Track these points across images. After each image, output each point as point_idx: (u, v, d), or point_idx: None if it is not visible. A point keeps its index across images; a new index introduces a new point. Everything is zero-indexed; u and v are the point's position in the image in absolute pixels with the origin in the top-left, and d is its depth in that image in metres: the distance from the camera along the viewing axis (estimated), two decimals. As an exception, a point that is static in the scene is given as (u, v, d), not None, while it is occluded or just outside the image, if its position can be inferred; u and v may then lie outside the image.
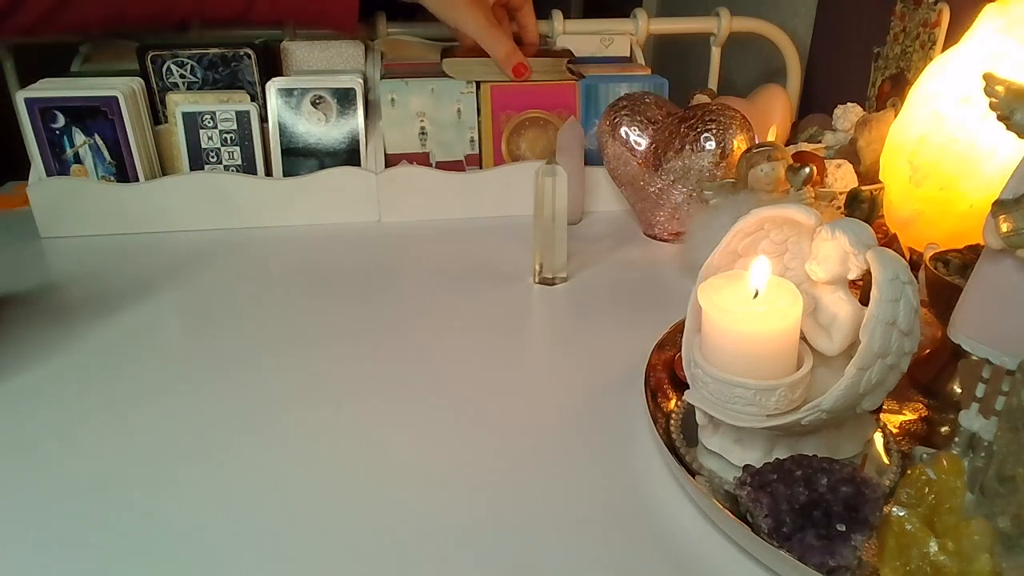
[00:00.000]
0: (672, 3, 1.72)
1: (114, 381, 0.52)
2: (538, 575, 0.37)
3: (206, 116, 0.77)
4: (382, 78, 0.81)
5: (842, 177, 0.70)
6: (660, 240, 0.77)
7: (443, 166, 0.83)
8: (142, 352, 0.56)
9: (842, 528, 0.35)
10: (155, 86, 0.79)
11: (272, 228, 0.79)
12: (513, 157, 0.84)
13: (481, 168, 0.83)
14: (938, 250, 0.52)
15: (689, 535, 0.39)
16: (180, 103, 0.77)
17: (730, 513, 0.38)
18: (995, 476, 0.36)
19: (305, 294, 0.65)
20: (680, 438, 0.45)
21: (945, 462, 0.35)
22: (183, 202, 0.77)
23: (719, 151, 0.69)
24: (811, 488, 0.36)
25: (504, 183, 0.82)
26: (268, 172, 0.80)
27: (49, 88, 0.75)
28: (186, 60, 0.78)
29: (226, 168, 0.79)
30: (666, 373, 0.51)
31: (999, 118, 0.39)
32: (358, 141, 0.80)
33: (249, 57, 0.79)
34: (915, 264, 0.52)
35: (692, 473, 0.42)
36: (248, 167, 0.79)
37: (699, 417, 0.43)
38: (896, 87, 0.81)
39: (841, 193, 0.68)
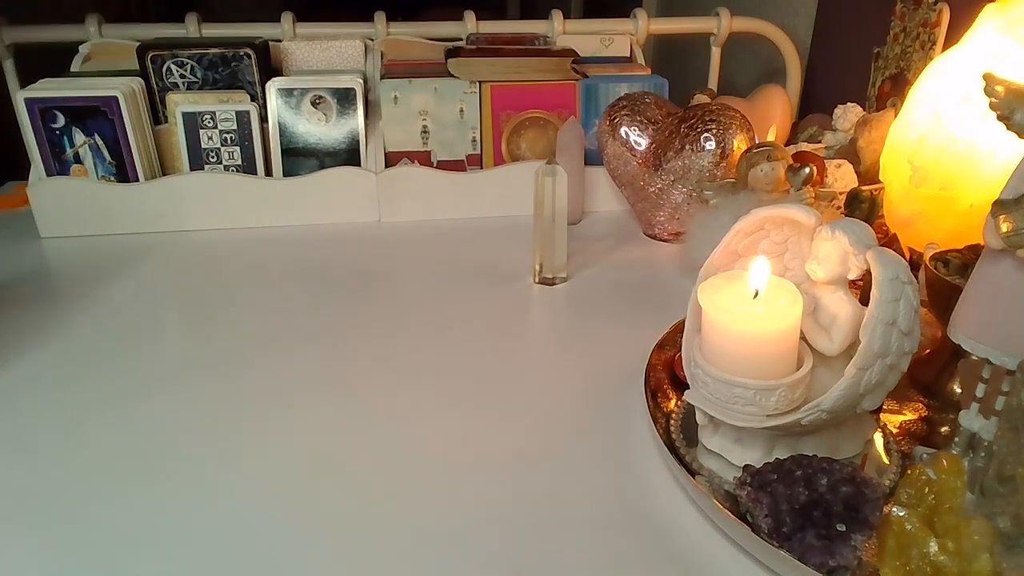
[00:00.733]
0: (672, 3, 1.72)
1: (113, 380, 0.52)
2: (538, 575, 0.37)
3: (206, 116, 0.77)
4: (383, 77, 0.81)
5: (842, 177, 0.70)
6: (660, 240, 0.77)
7: (444, 165, 0.83)
8: (142, 351, 0.56)
9: (842, 528, 0.35)
10: (155, 86, 0.79)
11: (272, 228, 0.79)
12: (513, 157, 0.84)
13: (482, 168, 0.83)
14: (938, 250, 0.52)
15: (689, 535, 0.39)
16: (180, 103, 0.77)
17: (730, 513, 0.38)
18: (995, 476, 0.36)
19: (304, 294, 0.65)
20: (680, 438, 0.45)
21: (945, 462, 0.35)
22: (183, 202, 0.77)
23: (719, 151, 0.69)
24: (811, 488, 0.36)
25: (504, 183, 0.82)
26: (268, 172, 0.80)
27: (49, 88, 0.75)
28: (186, 60, 0.78)
29: (226, 168, 0.79)
30: (666, 373, 0.51)
31: (999, 118, 0.39)
32: (358, 141, 0.80)
33: (249, 57, 0.79)
34: (915, 264, 0.52)
35: (692, 473, 0.42)
36: (248, 167, 0.79)
37: (699, 417, 0.43)
38: (896, 87, 0.81)
39: (841, 193, 0.68)
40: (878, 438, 0.45)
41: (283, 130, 0.79)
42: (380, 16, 0.93)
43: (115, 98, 0.74)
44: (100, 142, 0.75)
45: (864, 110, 0.80)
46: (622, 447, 0.46)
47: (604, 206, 0.84)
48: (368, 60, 0.89)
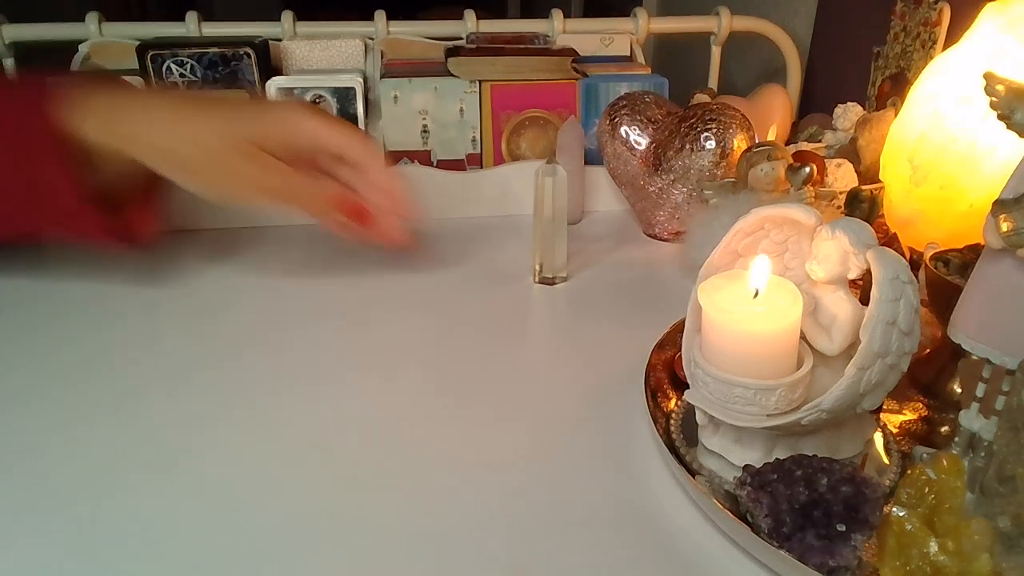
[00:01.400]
0: (672, 2, 1.72)
1: (113, 380, 0.52)
2: (537, 575, 0.37)
3: (206, 115, 0.77)
4: (383, 76, 0.81)
5: (842, 177, 0.70)
6: (660, 240, 0.77)
7: (444, 165, 0.83)
8: (141, 351, 0.56)
9: (842, 528, 0.35)
10: (155, 85, 0.79)
11: (272, 228, 0.79)
12: (513, 157, 0.84)
13: (482, 167, 0.83)
14: (938, 249, 0.52)
15: (689, 535, 0.39)
16: (180, 102, 0.77)
17: (730, 513, 0.38)
18: (995, 476, 0.36)
19: (303, 294, 0.65)
20: (680, 438, 0.45)
21: (945, 462, 0.35)
22: (182, 202, 0.77)
23: (719, 150, 0.69)
24: (811, 488, 0.36)
25: (504, 183, 0.81)
26: (268, 171, 0.80)
27: (49, 87, 0.74)
28: (186, 59, 0.78)
29: (226, 167, 0.79)
30: (666, 373, 0.51)
31: (999, 117, 0.39)
32: (358, 140, 0.80)
33: (249, 56, 0.79)
34: (915, 264, 0.52)
35: (692, 473, 0.42)
36: (248, 166, 0.79)
37: (699, 417, 0.43)
38: (896, 86, 0.81)
39: (841, 193, 0.68)
40: (878, 438, 0.45)
41: (283, 129, 0.79)
42: (380, 15, 0.93)
43: (115, 97, 0.74)
44: (100, 141, 0.75)
45: (864, 109, 0.80)
46: (622, 447, 0.46)
47: (604, 206, 0.84)
48: (368, 59, 0.89)
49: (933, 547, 0.34)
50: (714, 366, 0.41)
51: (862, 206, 0.64)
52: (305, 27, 0.93)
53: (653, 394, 0.48)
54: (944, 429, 0.47)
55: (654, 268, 0.71)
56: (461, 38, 0.93)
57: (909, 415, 0.48)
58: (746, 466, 0.39)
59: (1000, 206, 0.38)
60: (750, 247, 0.44)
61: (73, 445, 0.46)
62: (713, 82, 1.04)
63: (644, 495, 0.42)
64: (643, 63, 0.93)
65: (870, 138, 0.72)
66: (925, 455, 0.43)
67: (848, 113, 0.79)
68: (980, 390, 0.41)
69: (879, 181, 0.64)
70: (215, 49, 0.79)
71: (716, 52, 1.03)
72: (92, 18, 0.89)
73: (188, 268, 0.69)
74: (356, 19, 0.94)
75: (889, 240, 0.62)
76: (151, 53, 0.78)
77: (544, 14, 0.96)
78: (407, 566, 0.38)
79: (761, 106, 0.90)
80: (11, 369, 0.53)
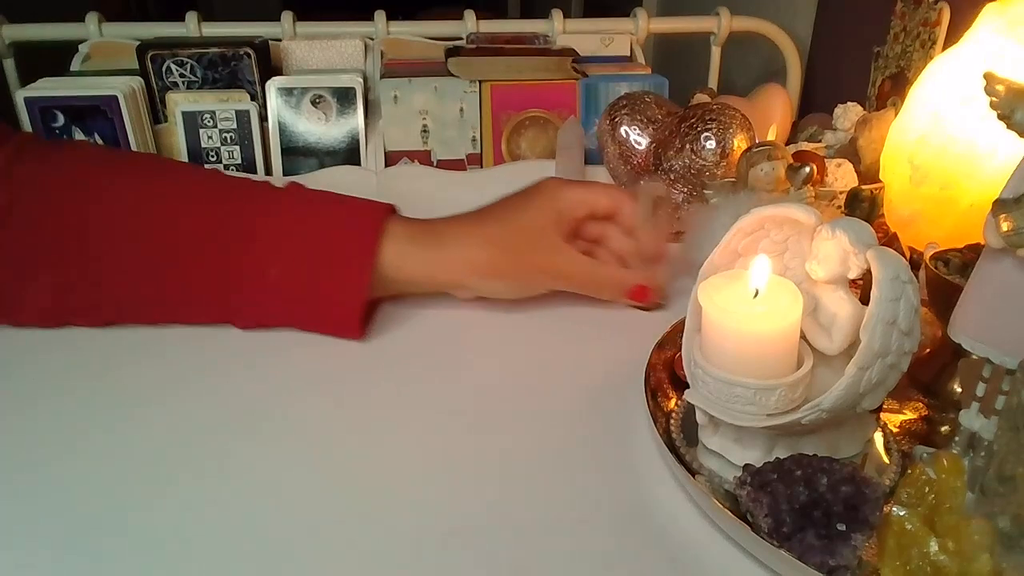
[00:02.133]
0: (672, 2, 1.72)
1: (113, 382, 0.52)
2: (537, 574, 0.37)
3: (206, 115, 0.77)
4: (383, 76, 0.81)
5: (842, 176, 0.70)
6: (660, 239, 0.77)
7: (444, 164, 0.83)
8: (140, 351, 0.56)
9: (842, 528, 0.35)
10: (155, 85, 0.79)
11: (272, 227, 0.78)
12: (513, 156, 0.84)
13: (482, 167, 0.83)
14: (938, 249, 0.52)
15: (689, 535, 0.39)
16: (180, 102, 0.77)
17: (730, 513, 0.38)
18: (995, 476, 0.36)
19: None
20: (680, 438, 0.45)
21: (945, 461, 0.35)
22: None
23: (719, 150, 0.69)
24: (811, 488, 0.36)
25: (504, 182, 0.81)
26: (268, 171, 0.80)
27: (49, 88, 0.75)
28: (186, 59, 0.78)
29: (226, 167, 0.79)
30: (666, 373, 0.51)
31: (999, 117, 0.39)
32: (358, 140, 0.80)
33: (249, 56, 0.79)
34: (915, 263, 0.52)
35: (692, 473, 0.42)
36: (248, 166, 0.79)
37: (699, 417, 0.43)
38: (896, 86, 0.81)
39: (841, 192, 0.68)
40: (878, 438, 0.45)
41: (283, 129, 0.79)
42: (380, 15, 0.93)
43: (115, 97, 0.74)
44: (100, 141, 0.75)
45: (864, 109, 0.80)
46: (622, 447, 0.46)
47: (604, 205, 0.84)
48: (368, 59, 0.89)
49: (933, 547, 0.34)
50: (714, 366, 0.41)
51: (862, 206, 0.64)
52: (305, 27, 0.93)
53: (653, 394, 0.48)
54: (944, 429, 0.47)
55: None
56: (461, 38, 0.93)
57: (909, 415, 0.48)
58: (746, 466, 0.39)
59: (1000, 206, 0.38)
60: (750, 247, 0.44)
61: (74, 450, 0.46)
62: (713, 82, 1.04)
63: (644, 495, 0.42)
64: (643, 63, 0.93)
65: (870, 138, 0.72)
66: (925, 455, 0.43)
67: (848, 113, 0.79)
68: (980, 390, 0.41)
69: (879, 181, 0.64)
70: (215, 49, 0.79)
71: (716, 52, 1.03)
72: (92, 18, 0.90)
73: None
74: (356, 19, 0.94)
75: (889, 240, 0.62)
76: (151, 53, 0.78)
77: (544, 14, 0.96)
78: (407, 566, 0.38)
79: (761, 106, 0.90)
80: (9, 369, 0.53)
